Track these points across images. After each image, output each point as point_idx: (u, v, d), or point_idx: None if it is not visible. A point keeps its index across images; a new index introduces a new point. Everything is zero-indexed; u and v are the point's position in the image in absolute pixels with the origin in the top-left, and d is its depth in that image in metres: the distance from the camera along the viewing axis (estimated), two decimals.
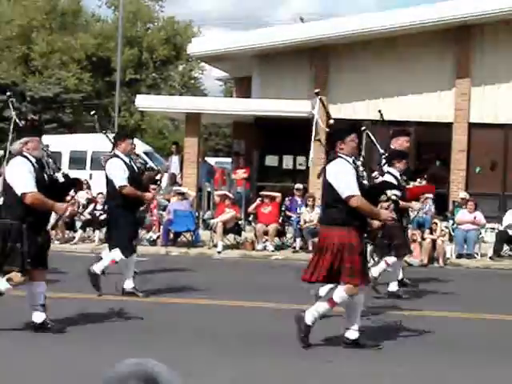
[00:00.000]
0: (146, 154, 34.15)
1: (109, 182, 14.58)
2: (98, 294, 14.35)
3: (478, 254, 23.83)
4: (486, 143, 28.54)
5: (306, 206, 24.69)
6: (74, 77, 61.92)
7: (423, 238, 23.06)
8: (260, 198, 24.73)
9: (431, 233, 23.32)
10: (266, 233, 24.37)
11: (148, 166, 14.86)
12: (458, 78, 28.34)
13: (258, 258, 22.32)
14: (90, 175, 28.28)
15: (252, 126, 28.46)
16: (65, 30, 65.97)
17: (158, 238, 24.60)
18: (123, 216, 14.55)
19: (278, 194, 25.11)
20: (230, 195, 25.36)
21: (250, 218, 25.75)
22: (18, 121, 13.74)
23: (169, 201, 25.57)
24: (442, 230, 23.33)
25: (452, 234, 24.27)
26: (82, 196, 25.25)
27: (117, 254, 14.30)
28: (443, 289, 17.77)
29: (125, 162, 14.58)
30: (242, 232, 24.52)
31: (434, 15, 28.02)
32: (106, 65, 61.55)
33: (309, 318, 11.38)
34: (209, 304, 14.75)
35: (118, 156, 14.78)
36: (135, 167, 15.02)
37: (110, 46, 60.23)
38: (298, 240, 24.34)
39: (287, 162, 29.16)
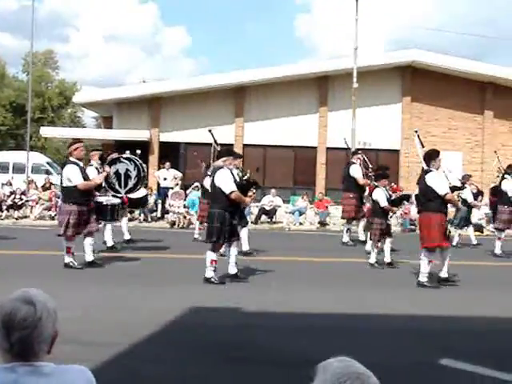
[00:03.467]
0: (49, 163, 33.40)
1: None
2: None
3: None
4: (278, 159, 29.16)
5: None
6: (1, 116, 59.93)
7: None
8: None
9: None
10: None
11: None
12: (236, 117, 28.80)
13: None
14: (12, 177, 27.34)
15: (113, 146, 28.23)
16: None
17: (55, 215, 24.18)
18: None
19: None
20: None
21: None
22: (218, 148, 13.27)
23: None
24: None
25: None
26: (6, 190, 24.82)
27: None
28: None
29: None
30: None
31: (219, 81, 28.61)
32: (22, 108, 59.68)
33: (424, 279, 10.85)
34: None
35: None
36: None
37: (24, 97, 58.36)
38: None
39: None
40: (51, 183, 26.52)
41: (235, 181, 10.84)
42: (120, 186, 13.52)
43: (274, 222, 24.63)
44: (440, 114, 29.24)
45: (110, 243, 14.61)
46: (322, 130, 28.93)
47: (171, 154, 27.70)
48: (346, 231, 17.51)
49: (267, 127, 28.76)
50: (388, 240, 13.53)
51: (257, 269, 12.22)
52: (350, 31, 28.63)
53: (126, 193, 13.64)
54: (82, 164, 12.23)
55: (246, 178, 12.00)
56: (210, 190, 11.40)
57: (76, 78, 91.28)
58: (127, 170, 13.52)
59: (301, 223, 24.61)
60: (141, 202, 16.24)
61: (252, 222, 24.44)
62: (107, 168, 13.30)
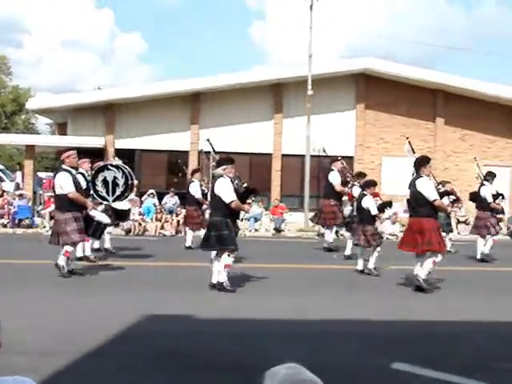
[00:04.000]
0: (1, 170, 32.94)
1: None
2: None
3: None
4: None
5: None
6: None
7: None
8: None
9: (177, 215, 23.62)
10: None
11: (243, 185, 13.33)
12: (191, 124, 28.75)
13: None
14: None
15: None
16: None
17: (8, 223, 23.90)
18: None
19: None
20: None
21: None
22: (216, 156, 13.12)
23: (14, 199, 24.82)
24: None
25: None
26: None
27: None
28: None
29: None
30: None
31: (174, 87, 28.55)
32: None
33: (424, 274, 11.12)
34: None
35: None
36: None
37: None
38: None
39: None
40: (4, 190, 26.18)
41: (234, 189, 10.91)
42: (108, 193, 13.43)
43: None
44: (393, 121, 29.62)
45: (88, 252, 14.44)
46: (277, 136, 29.06)
47: (126, 160, 27.47)
48: (326, 234, 17.64)
49: (222, 134, 28.70)
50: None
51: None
52: (305, 38, 28.92)
53: (114, 200, 13.58)
54: (74, 172, 12.18)
55: (244, 185, 12.05)
56: (210, 198, 11.40)
57: (30, 84, 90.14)
58: (115, 177, 13.43)
59: (256, 230, 24.68)
60: (125, 215, 15.97)
61: None
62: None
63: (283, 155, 29.05)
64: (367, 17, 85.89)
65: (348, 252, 15.41)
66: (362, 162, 29.02)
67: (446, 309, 9.93)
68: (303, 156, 27.54)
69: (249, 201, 11.35)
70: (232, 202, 10.59)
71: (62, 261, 11.77)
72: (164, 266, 13.96)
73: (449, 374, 6.20)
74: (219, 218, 10.67)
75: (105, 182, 13.44)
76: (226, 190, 10.65)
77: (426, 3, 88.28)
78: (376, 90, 29.20)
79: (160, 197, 25.52)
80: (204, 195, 16.84)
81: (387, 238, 21.59)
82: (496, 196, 16.75)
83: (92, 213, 12.56)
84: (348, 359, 6.81)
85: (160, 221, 23.75)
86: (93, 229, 12.64)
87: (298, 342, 7.44)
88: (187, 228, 17.92)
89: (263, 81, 28.84)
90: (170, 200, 25.13)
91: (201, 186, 17.32)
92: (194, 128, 28.72)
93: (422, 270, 11.20)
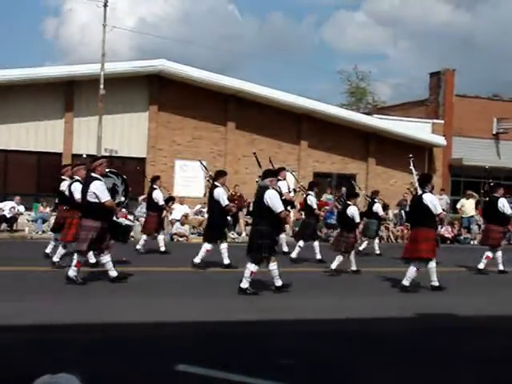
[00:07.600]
0: None
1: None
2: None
3: None
4: (21, 165, 27.62)
5: None
6: None
7: None
8: None
9: None
10: None
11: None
12: None
13: None
14: None
15: None
16: None
17: None
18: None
19: None
20: None
21: None
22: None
23: None
24: None
25: None
26: None
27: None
28: None
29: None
30: None
31: None
32: None
33: (407, 282, 12.49)
34: None
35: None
36: None
37: None
38: None
39: None
40: None
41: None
42: None
43: (15, 231, 23.65)
44: (186, 124, 29.99)
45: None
46: (68, 136, 28.32)
47: None
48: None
49: (9, 131, 27.57)
50: (353, 251, 15.46)
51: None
52: (99, 37, 28.52)
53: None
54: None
55: (283, 198, 12.64)
56: (255, 208, 12.04)
57: None
58: (114, 184, 13.15)
59: (44, 231, 23.83)
60: None
61: None
62: None
63: (74, 155, 28.34)
64: (166, 20, 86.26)
65: (319, 256, 16.82)
66: (154, 164, 29.11)
67: (260, 309, 10.23)
68: (94, 156, 27.05)
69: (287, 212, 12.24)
70: (282, 211, 11.30)
71: (73, 273, 11.81)
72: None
73: (232, 374, 6.38)
74: (265, 227, 11.28)
75: None
76: (276, 201, 11.27)
77: (221, 13, 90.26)
78: (169, 92, 29.42)
79: None
80: (165, 201, 18.11)
81: None
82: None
83: (118, 220, 12.77)
84: (129, 364, 6.78)
85: None
86: (123, 235, 12.96)
87: (75, 350, 7.33)
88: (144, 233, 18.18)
89: (54, 77, 27.94)
90: None
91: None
92: None
93: (407, 277, 12.50)
